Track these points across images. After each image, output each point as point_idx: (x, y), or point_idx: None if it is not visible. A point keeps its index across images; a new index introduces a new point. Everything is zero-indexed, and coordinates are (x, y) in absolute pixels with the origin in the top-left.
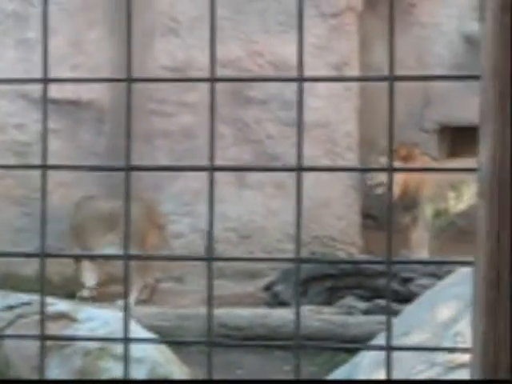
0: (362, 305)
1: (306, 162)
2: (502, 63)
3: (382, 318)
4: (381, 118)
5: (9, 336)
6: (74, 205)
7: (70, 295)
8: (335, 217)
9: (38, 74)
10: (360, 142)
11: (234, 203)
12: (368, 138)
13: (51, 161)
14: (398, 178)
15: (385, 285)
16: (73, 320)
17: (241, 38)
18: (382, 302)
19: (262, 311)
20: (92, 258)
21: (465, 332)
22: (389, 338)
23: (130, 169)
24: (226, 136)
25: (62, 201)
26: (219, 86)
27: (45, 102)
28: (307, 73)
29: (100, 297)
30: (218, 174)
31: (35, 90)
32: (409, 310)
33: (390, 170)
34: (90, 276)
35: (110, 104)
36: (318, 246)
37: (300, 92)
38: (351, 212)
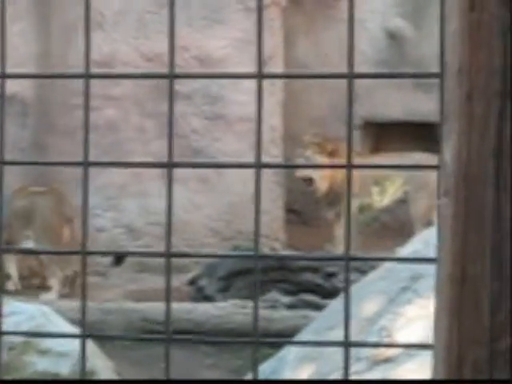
0: (286, 299)
1: (231, 157)
2: (468, 61)
3: (306, 312)
4: (304, 112)
5: None
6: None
7: None
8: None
9: None
10: (284, 136)
11: (158, 197)
12: (292, 132)
13: None
14: (325, 173)
15: (308, 279)
16: None
17: (165, 33)
18: (305, 296)
19: (186, 306)
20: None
21: (389, 327)
22: (347, 334)
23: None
24: (150, 130)
25: None
26: (145, 81)
27: (2, 97)
28: (233, 67)
29: (23, 290)
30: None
31: None
32: (334, 304)
33: (349, 166)
34: (14, 269)
35: (33, 97)
36: (242, 240)
37: (259, 89)
38: (275, 207)
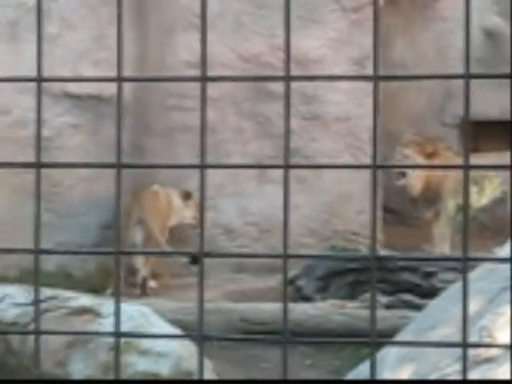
0: (385, 299)
1: (327, 157)
2: None
3: (405, 312)
4: (402, 111)
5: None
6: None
7: (93, 290)
8: (356, 211)
9: (59, 70)
10: (382, 135)
11: (255, 198)
12: (390, 132)
13: (73, 156)
14: (421, 172)
15: (406, 279)
16: (97, 315)
17: (262, 33)
18: (404, 296)
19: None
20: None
21: (490, 326)
22: (465, 336)
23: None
24: (247, 130)
25: (84, 196)
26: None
27: (39, 100)
28: (329, 68)
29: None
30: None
31: (56, 84)
32: (434, 304)
33: (466, 167)
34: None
35: (131, 99)
36: (339, 240)
37: (287, 89)
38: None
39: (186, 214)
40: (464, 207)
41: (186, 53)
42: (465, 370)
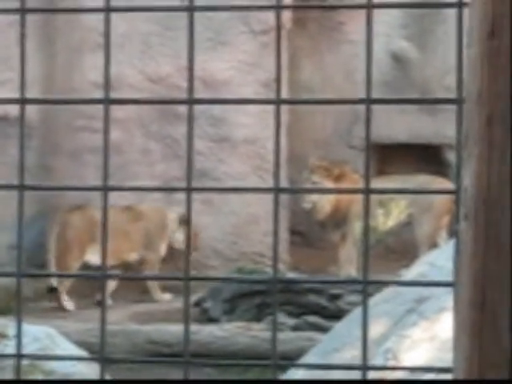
0: (291, 321)
1: (236, 179)
2: (487, 87)
3: (311, 334)
4: (310, 134)
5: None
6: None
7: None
8: (263, 233)
9: None
10: (289, 158)
11: None
12: (297, 155)
13: None
14: (329, 196)
15: (313, 301)
16: (3, 336)
17: (170, 55)
18: (310, 318)
19: (191, 327)
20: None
21: (395, 349)
22: (365, 358)
23: (23, 187)
24: (155, 152)
25: None
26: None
27: (22, 122)
28: (237, 89)
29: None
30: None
31: None
32: (339, 326)
33: (367, 191)
34: None
35: (38, 119)
36: (246, 262)
37: (190, 112)
38: (279, 228)
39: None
40: (365, 230)
41: (94, 73)
42: None
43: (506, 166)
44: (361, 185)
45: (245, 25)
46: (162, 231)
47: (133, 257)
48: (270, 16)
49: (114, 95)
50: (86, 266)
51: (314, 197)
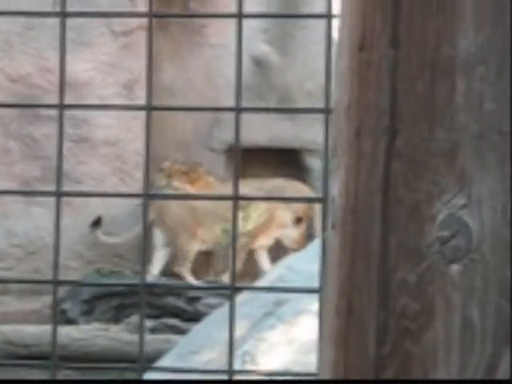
0: (149, 323)
1: (95, 179)
2: (357, 99)
3: (169, 336)
4: (169, 136)
5: None
6: None
7: None
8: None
9: None
10: (150, 160)
11: (21, 219)
12: (157, 157)
13: None
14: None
15: (171, 303)
16: None
17: (31, 54)
18: (168, 320)
19: (48, 328)
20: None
21: (253, 351)
22: (231, 362)
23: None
24: (14, 151)
25: None
26: (9, 99)
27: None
28: (98, 90)
29: None
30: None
31: None
32: (197, 328)
33: (235, 198)
34: None
35: None
36: (105, 263)
37: (60, 118)
38: (139, 230)
39: None
40: (233, 237)
41: None
42: None
43: (375, 177)
44: (215, 187)
45: (106, 26)
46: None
47: None
48: (131, 18)
49: None
50: None
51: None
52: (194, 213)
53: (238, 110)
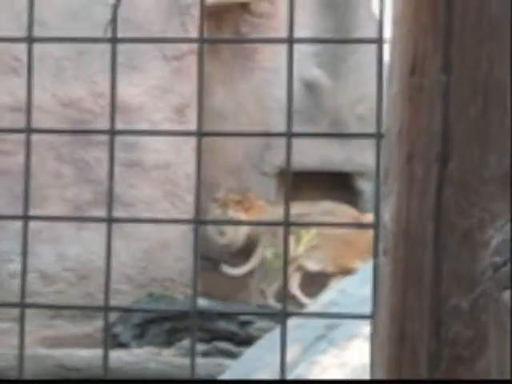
0: (201, 347)
1: (146, 203)
2: (408, 124)
3: (221, 360)
4: (221, 160)
5: None
6: None
7: None
8: (174, 259)
9: None
10: (201, 186)
11: (72, 243)
12: (207, 181)
13: None
14: (243, 230)
15: (223, 327)
16: None
17: (82, 79)
18: (220, 344)
19: (100, 352)
20: None
21: (304, 375)
22: None
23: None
24: (67, 176)
25: None
26: (61, 123)
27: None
28: (149, 115)
29: None
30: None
31: None
32: (249, 352)
33: (286, 223)
34: None
35: None
36: (156, 287)
37: (111, 143)
38: (190, 254)
39: None
40: (284, 263)
41: (8, 97)
42: None
43: (426, 203)
44: (266, 211)
45: (157, 50)
46: None
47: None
48: (181, 43)
49: (23, 117)
50: None
51: (229, 233)
52: None
53: (289, 135)
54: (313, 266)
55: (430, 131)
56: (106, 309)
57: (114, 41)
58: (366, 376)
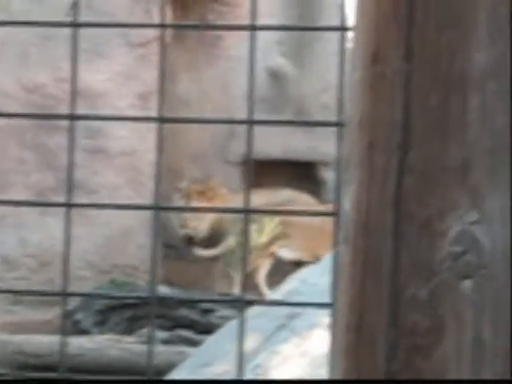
0: (163, 334)
1: (109, 190)
2: (369, 113)
3: (182, 347)
4: (185, 148)
5: None
6: None
7: None
8: (136, 246)
9: None
10: (165, 173)
11: (35, 229)
12: (172, 169)
13: None
14: (207, 218)
15: (184, 315)
16: None
17: (47, 64)
18: (181, 331)
19: (60, 339)
20: None
21: (265, 364)
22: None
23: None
24: (30, 162)
25: None
26: (24, 109)
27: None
28: (113, 101)
29: None
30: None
31: None
32: (210, 340)
33: (247, 211)
34: None
35: None
36: (118, 274)
37: (72, 127)
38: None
39: None
40: (244, 250)
41: None
42: None
43: (387, 192)
44: (229, 200)
45: (122, 37)
46: None
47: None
48: (147, 28)
49: None
50: None
51: (191, 224)
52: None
53: (250, 122)
54: (287, 254)
55: (390, 120)
56: (65, 295)
57: (76, 25)
58: (326, 366)
